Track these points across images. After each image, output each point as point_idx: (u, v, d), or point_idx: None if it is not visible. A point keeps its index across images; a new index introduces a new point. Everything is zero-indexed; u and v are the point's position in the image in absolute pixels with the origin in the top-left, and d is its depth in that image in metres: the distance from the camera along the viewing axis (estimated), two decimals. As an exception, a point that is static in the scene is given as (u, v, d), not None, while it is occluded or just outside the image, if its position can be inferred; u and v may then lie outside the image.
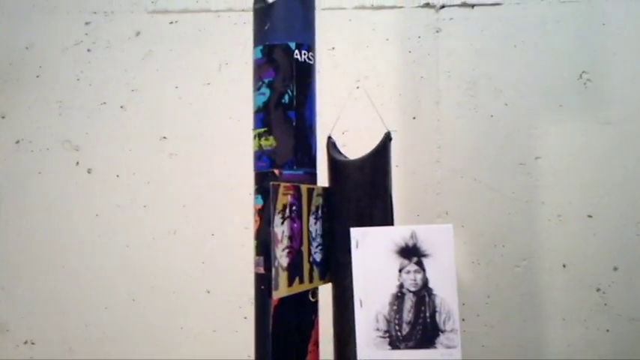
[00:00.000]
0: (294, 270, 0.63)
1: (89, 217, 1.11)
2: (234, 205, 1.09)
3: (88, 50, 1.14)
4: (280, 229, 0.61)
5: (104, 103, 1.13)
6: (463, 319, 1.07)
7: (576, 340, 1.04)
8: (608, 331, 1.04)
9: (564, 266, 1.06)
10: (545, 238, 1.06)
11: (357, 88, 1.08)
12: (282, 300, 0.64)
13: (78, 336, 1.10)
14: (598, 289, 1.05)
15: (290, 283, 0.62)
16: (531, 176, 1.07)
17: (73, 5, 1.15)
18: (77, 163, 1.12)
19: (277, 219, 0.60)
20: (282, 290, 0.61)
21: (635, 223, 1.05)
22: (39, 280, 1.11)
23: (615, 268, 1.05)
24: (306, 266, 0.65)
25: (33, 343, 1.10)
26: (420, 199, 1.09)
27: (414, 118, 1.11)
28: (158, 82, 1.13)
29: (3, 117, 1.14)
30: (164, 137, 1.13)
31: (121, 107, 1.13)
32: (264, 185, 0.64)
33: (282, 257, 0.61)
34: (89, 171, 1.12)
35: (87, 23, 1.14)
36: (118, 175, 1.12)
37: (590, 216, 1.06)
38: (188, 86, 1.13)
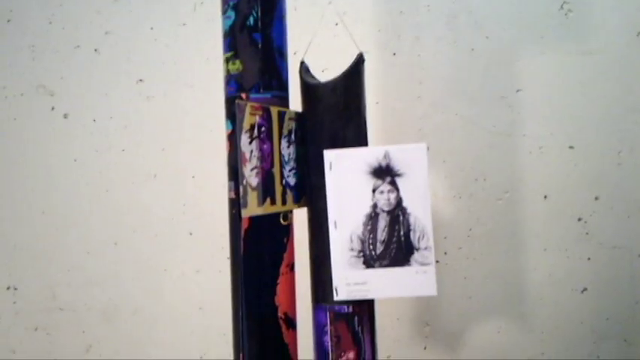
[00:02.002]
0: (265, 191, 0.62)
1: (67, 162, 1.10)
2: (214, 147, 1.08)
3: (59, -8, 1.11)
4: (248, 149, 0.60)
5: (78, 46, 1.11)
6: (445, 253, 1.08)
7: (557, 269, 1.05)
8: (589, 259, 1.05)
9: (545, 197, 1.06)
10: (527, 171, 1.06)
11: (336, 25, 1.06)
12: (252, 223, 0.64)
13: (61, 281, 1.10)
14: (579, 219, 1.05)
15: (260, 203, 0.62)
16: (512, 109, 1.06)
17: (40, -55, 1.11)
18: (52, 108, 1.11)
19: (244, 138, 0.59)
20: (251, 209, 0.60)
21: (617, 153, 1.04)
22: (19, 226, 1.10)
23: (596, 198, 1.05)
24: (278, 188, 0.65)
25: (15, 289, 1.11)
26: (401, 135, 1.08)
27: (394, 54, 1.09)
28: (132, 23, 1.11)
29: (-25, 63, 1.12)
30: (140, 80, 1.11)
31: (95, 50, 1.11)
32: (232, 110, 0.63)
33: (250, 177, 0.60)
34: (65, 116, 1.11)
35: (56, -36, 1.11)
36: (94, 120, 1.11)
37: (571, 147, 1.05)
38: (163, 27, 1.11)
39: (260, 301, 0.64)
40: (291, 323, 0.66)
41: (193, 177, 1.11)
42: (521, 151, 1.06)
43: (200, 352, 1.10)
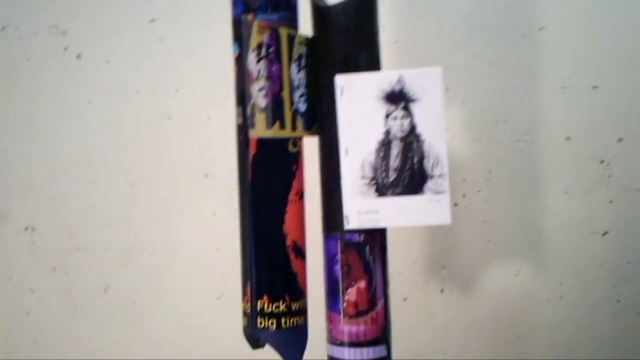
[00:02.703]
0: (274, 113, 0.61)
1: (81, 103, 1.10)
2: (228, 88, 1.06)
3: None
4: (255, 68, 0.58)
5: (90, -15, 1.10)
6: (463, 196, 1.06)
7: (578, 212, 1.03)
8: (611, 202, 1.02)
9: (568, 139, 1.03)
10: (549, 112, 1.03)
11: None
12: (260, 149, 0.63)
13: (78, 222, 1.11)
14: (602, 161, 1.02)
15: (269, 126, 0.60)
16: (535, 48, 1.03)
17: None
18: (65, 48, 1.10)
19: (252, 57, 0.58)
20: (258, 130, 0.59)
21: (643, 93, 1.00)
22: (34, 168, 1.11)
23: (620, 140, 1.01)
24: (288, 113, 0.63)
25: (34, 230, 1.12)
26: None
27: (413, -9, 1.05)
28: (145, -38, 1.09)
29: (-12, 4, 1.11)
30: (153, 20, 1.09)
31: (108, -11, 1.09)
32: (239, 31, 0.61)
33: (258, 97, 0.59)
34: (78, 56, 1.10)
35: None
36: (107, 61, 1.10)
37: (595, 87, 1.01)
38: (176, -35, 1.08)
39: (268, 228, 0.63)
40: (300, 252, 0.66)
41: (208, 119, 1.10)
42: (543, 92, 1.03)
43: (216, 293, 1.10)
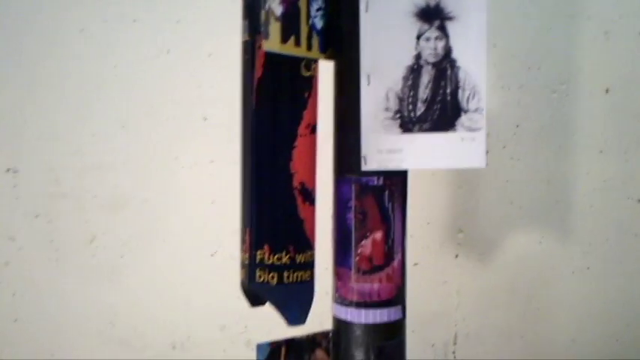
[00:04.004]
0: (289, 25, 0.51)
1: (72, 32, 0.99)
2: (234, 20, 0.95)
3: None
4: (267, -34, 0.48)
5: None
6: (486, 152, 0.96)
7: (613, 174, 0.93)
8: (651, 164, 0.92)
9: (607, 91, 0.92)
10: (589, 59, 0.92)
11: None
12: (268, 72, 0.53)
13: (64, 165, 1.01)
14: (644, 118, 0.92)
15: (284, 40, 0.50)
16: (576, -12, 0.92)
17: None
18: (54, -29, 0.99)
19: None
20: (273, 42, 0.49)
21: (695, 44, 0.90)
22: (20, 104, 1.01)
23: (667, 94, 0.91)
24: (304, 28, 0.53)
25: (16, 172, 1.02)
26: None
27: None
28: None
29: None
30: (151, -57, 0.98)
31: None
32: None
33: (274, 2, 0.49)
34: (68, -20, 0.99)
35: None
36: (100, -14, 0.99)
37: (642, 34, 0.91)
38: None
39: (272, 165, 0.54)
40: (309, 196, 0.56)
41: (210, 55, 0.99)
42: (583, 36, 0.92)
43: (211, 249, 1.01)
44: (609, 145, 0.93)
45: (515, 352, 0.99)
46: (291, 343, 0.57)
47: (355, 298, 0.57)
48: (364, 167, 0.55)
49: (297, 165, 0.54)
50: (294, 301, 0.53)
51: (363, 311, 0.57)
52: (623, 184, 0.93)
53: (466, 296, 0.99)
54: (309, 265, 0.56)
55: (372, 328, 0.57)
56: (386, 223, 0.56)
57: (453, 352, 1.01)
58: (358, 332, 0.57)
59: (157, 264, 1.02)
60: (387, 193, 0.56)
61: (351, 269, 0.57)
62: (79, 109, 1.01)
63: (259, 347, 0.56)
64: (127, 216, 1.02)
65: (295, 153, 0.54)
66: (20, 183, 1.03)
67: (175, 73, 0.99)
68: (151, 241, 1.02)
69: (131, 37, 0.99)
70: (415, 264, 0.99)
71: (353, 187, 0.56)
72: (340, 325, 0.58)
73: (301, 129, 0.55)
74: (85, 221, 1.02)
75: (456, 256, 0.99)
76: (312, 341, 0.58)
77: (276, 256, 0.53)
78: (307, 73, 0.55)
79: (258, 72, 0.53)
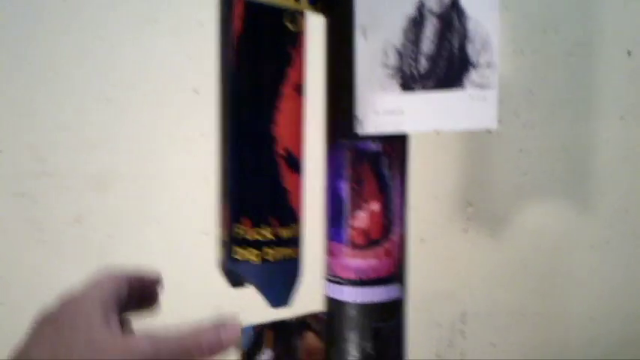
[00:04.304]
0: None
1: (55, 3, 0.93)
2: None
3: None
4: None
5: None
6: (499, 120, 0.89)
7: (636, 142, 0.86)
8: (677, 130, 0.85)
9: (629, 54, 0.85)
10: (609, 20, 0.85)
11: None
12: (248, 23, 0.47)
13: (49, 142, 0.95)
14: (669, 79, 0.85)
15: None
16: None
17: None
18: None
19: None
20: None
21: None
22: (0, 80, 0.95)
23: (694, 54, 0.83)
24: (288, -26, 0.47)
25: (-2, 149, 0.97)
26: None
27: None
28: None
29: None
30: None
31: None
32: None
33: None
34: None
35: None
36: (80, -52, 0.92)
37: (667, -10, 0.83)
38: None
39: (252, 128, 0.47)
40: (294, 164, 0.49)
41: (202, 24, 0.93)
42: (603, -6, 0.85)
43: (202, 230, 0.96)
44: (631, 110, 0.86)
45: (527, 332, 0.93)
46: (277, 326, 0.51)
47: (350, 276, 0.51)
48: (359, 131, 0.49)
49: (280, 129, 0.48)
50: (278, 282, 0.47)
51: (358, 289, 0.51)
52: (645, 150, 0.87)
53: (476, 273, 0.93)
54: (295, 241, 0.50)
55: (369, 308, 0.51)
56: (384, 192, 0.50)
57: (462, 332, 0.95)
58: (353, 313, 0.51)
59: (148, 244, 0.96)
60: (385, 159, 0.50)
61: (344, 244, 0.51)
62: (62, 84, 0.95)
63: (241, 331, 0.50)
64: (116, 194, 0.96)
65: (279, 115, 0.48)
66: (2, 162, 0.97)
67: (163, 44, 0.93)
68: (141, 219, 0.96)
69: (117, 5, 0.92)
70: (421, 240, 0.93)
71: (347, 153, 0.50)
72: (333, 305, 0.52)
73: (285, 88, 0.48)
74: (72, 200, 0.97)
75: (465, 231, 0.93)
76: (302, 323, 0.53)
77: (257, 231, 0.47)
78: (293, 28, 0.49)
79: (237, 25, 0.47)
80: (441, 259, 0.94)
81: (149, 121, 0.94)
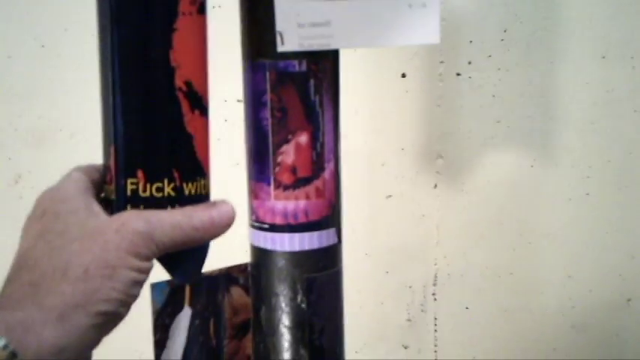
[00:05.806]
0: None
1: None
2: None
3: None
4: None
5: None
6: (469, 62, 0.82)
7: (618, 83, 0.79)
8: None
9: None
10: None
11: None
12: None
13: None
14: (655, 15, 0.77)
15: None
16: None
17: None
18: None
19: None
20: None
21: None
22: None
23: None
24: None
25: None
26: None
27: None
28: None
29: None
30: None
31: None
32: None
33: None
34: None
35: None
36: None
37: None
38: None
39: (144, 57, 0.39)
40: (198, 102, 0.40)
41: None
42: None
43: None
44: (613, 49, 0.78)
45: (503, 292, 0.87)
46: (197, 281, 0.44)
47: (276, 221, 0.44)
48: (280, 47, 0.41)
49: (179, 56, 0.39)
50: (182, 250, 0.39)
51: (286, 236, 0.44)
52: (629, 95, 0.79)
53: (447, 231, 0.87)
54: (203, 199, 0.41)
55: (299, 257, 0.44)
56: (312, 122, 0.43)
57: (433, 294, 0.89)
58: (282, 262, 0.44)
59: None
60: (312, 82, 0.43)
61: (269, 184, 0.44)
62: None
63: (153, 287, 0.43)
64: (55, 150, 0.89)
65: (176, 38, 0.39)
66: None
67: None
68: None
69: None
70: (388, 196, 0.86)
71: (267, 75, 0.43)
72: (259, 254, 0.45)
73: (183, 5, 0.39)
74: (8, 159, 0.89)
75: (435, 186, 0.86)
76: (226, 277, 0.46)
77: (154, 186, 0.39)
78: None
79: None
80: (410, 216, 0.87)
81: (89, 68, 0.85)
